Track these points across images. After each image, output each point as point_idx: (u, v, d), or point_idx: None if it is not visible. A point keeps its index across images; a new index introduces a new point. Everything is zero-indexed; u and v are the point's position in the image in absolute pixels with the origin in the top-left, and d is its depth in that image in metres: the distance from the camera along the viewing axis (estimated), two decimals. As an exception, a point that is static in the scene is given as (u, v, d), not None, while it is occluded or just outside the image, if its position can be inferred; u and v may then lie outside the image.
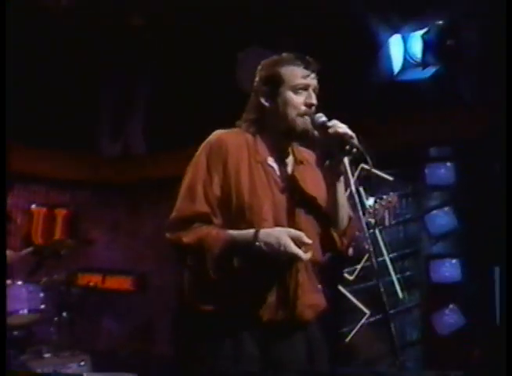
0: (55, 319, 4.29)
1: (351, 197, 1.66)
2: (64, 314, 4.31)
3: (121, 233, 6.62)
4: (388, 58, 4.34)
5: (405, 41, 4.31)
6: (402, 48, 4.34)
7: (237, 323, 1.72)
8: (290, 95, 1.82)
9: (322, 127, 1.76)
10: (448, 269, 4.75)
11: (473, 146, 4.58)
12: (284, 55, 1.87)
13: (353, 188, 1.63)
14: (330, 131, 1.72)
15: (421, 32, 4.18)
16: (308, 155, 1.96)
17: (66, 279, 4.52)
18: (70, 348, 4.18)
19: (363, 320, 4.90)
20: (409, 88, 4.47)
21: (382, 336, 4.83)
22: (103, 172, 6.49)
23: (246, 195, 1.75)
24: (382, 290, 1.59)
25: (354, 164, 1.69)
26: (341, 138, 1.70)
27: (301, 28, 4.59)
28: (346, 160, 1.70)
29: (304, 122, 1.81)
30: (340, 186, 1.81)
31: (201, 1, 4.58)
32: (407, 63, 4.33)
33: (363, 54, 4.38)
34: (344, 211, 1.85)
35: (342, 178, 1.79)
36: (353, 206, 1.66)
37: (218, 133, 1.86)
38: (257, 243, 1.65)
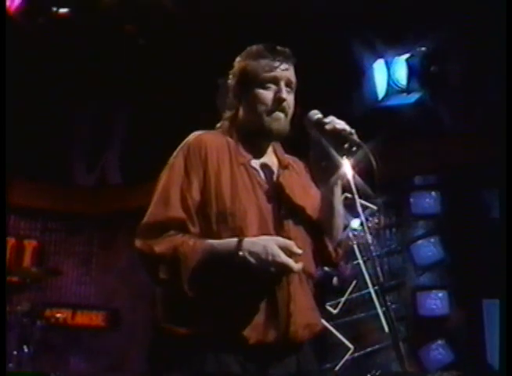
0: (15, 353, 3.95)
1: (349, 202, 1.48)
2: (25, 348, 3.97)
3: (94, 267, 6.36)
4: (372, 84, 4.29)
5: (388, 66, 4.27)
6: (386, 74, 4.29)
7: (219, 348, 1.50)
8: (258, 90, 1.65)
9: (318, 124, 1.59)
10: (436, 302, 4.61)
11: (458, 175, 4.51)
12: (253, 47, 1.72)
13: (354, 190, 1.46)
14: (327, 127, 1.56)
15: (405, 57, 4.14)
16: (292, 161, 1.79)
17: (31, 311, 4.20)
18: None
19: (347, 356, 4.69)
20: (393, 115, 4.41)
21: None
22: (77, 203, 6.26)
23: (227, 200, 1.57)
24: (392, 314, 1.41)
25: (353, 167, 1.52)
26: (339, 135, 1.54)
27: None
28: (345, 160, 1.53)
29: (273, 120, 1.65)
30: (338, 191, 1.64)
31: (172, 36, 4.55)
32: (391, 89, 4.29)
33: (347, 80, 4.33)
34: (340, 219, 1.68)
35: (340, 182, 1.63)
36: (352, 211, 1.48)
37: (196, 134, 1.69)
38: (240, 253, 1.46)
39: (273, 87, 1.65)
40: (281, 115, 1.65)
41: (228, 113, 1.75)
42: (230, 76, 1.74)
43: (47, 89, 5.33)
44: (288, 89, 1.67)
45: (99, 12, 4.18)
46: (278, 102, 1.64)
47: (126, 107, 6.22)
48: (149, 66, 5.02)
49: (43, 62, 4.94)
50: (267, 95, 1.65)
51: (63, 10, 3.87)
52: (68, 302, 5.97)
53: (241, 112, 1.71)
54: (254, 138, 1.69)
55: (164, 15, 4.20)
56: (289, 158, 1.79)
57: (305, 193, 1.72)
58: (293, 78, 1.69)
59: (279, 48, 1.68)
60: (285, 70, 1.66)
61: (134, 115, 6.11)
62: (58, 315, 4.58)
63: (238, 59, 1.74)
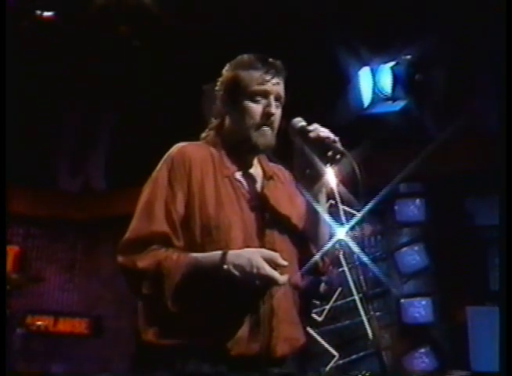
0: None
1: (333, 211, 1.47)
2: (4, 357, 3.88)
3: (77, 273, 6.30)
4: (358, 91, 4.30)
5: (374, 74, 4.28)
6: (372, 82, 4.31)
7: (201, 359, 1.48)
8: (247, 103, 1.63)
9: (302, 132, 1.58)
10: (419, 310, 4.61)
11: (443, 182, 4.53)
12: (244, 56, 1.69)
13: (338, 199, 1.45)
14: (311, 135, 1.55)
15: (390, 64, 4.16)
16: (277, 170, 1.78)
17: (11, 318, 4.13)
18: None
19: (332, 363, 4.68)
20: (379, 122, 4.42)
21: None
22: (60, 208, 6.20)
23: (212, 213, 1.55)
24: (375, 322, 1.40)
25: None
26: (323, 142, 1.53)
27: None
28: (329, 168, 1.52)
29: (260, 135, 1.62)
30: (322, 199, 1.63)
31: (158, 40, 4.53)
32: (377, 97, 4.30)
33: (333, 87, 4.33)
34: (326, 227, 1.66)
35: (324, 190, 1.61)
36: (337, 219, 1.47)
37: (179, 146, 1.66)
38: (225, 266, 1.44)
39: (263, 100, 1.63)
40: (268, 130, 1.63)
41: (214, 122, 1.73)
42: (218, 84, 1.71)
43: (32, 92, 5.28)
44: (277, 104, 1.65)
45: (90, 14, 4.13)
46: (266, 116, 1.62)
47: (112, 113, 6.17)
48: (136, 70, 4.98)
49: (27, 65, 4.89)
50: (256, 108, 1.62)
51: (47, 13, 3.81)
52: (50, 309, 5.91)
53: (228, 122, 1.69)
54: (239, 149, 1.67)
55: (153, 18, 4.18)
56: (274, 167, 1.77)
57: (291, 202, 1.70)
58: (282, 93, 1.67)
59: (271, 60, 1.66)
60: (276, 85, 1.64)
61: (120, 120, 6.07)
62: (39, 322, 4.50)
63: (228, 67, 1.71)
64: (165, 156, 1.64)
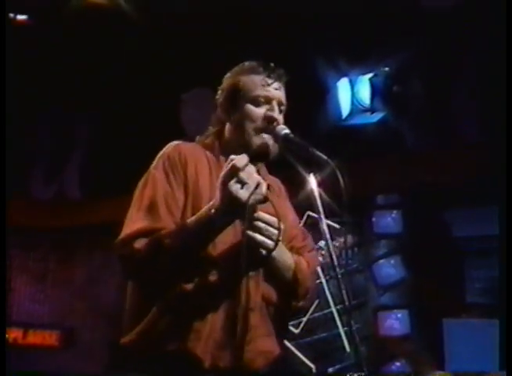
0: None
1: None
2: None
3: (50, 284, 6.17)
4: (336, 102, 4.31)
5: (352, 85, 4.30)
6: (350, 93, 4.32)
7: (177, 369, 1.45)
8: (250, 108, 1.59)
9: (285, 139, 1.55)
10: (396, 322, 4.61)
11: (420, 194, 4.55)
12: (245, 63, 1.66)
13: (321, 209, 1.42)
14: (295, 142, 1.52)
15: (369, 76, 4.18)
16: (274, 183, 1.74)
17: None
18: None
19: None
20: (357, 133, 4.43)
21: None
22: (33, 217, 6.07)
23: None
24: (355, 334, 1.38)
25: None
26: (306, 151, 1.49)
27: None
28: (312, 177, 1.49)
29: (262, 140, 1.58)
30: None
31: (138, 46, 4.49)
32: (355, 108, 4.31)
33: (312, 98, 4.33)
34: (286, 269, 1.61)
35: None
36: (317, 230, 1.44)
37: (173, 144, 1.63)
38: (212, 210, 1.42)
39: (265, 105, 1.59)
40: (269, 138, 1.58)
41: (212, 130, 1.70)
42: (219, 91, 1.69)
43: (7, 97, 5.17)
44: (279, 109, 1.61)
45: (63, 18, 4.06)
46: (268, 120, 1.58)
47: (88, 122, 6.10)
48: (112, 80, 4.93)
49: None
50: (258, 112, 1.59)
51: (21, 17, 3.74)
52: (20, 321, 5.78)
53: (228, 129, 1.65)
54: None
55: (129, 21, 4.13)
56: (271, 180, 1.73)
57: (283, 217, 1.64)
58: (284, 99, 1.63)
59: (272, 65, 1.63)
60: (277, 89, 1.61)
61: (96, 128, 6.00)
62: (6, 335, 4.36)
63: (228, 74, 1.68)
64: (160, 153, 1.61)
